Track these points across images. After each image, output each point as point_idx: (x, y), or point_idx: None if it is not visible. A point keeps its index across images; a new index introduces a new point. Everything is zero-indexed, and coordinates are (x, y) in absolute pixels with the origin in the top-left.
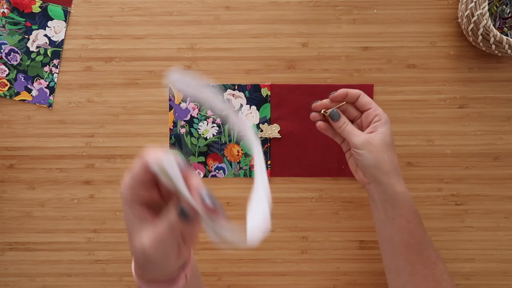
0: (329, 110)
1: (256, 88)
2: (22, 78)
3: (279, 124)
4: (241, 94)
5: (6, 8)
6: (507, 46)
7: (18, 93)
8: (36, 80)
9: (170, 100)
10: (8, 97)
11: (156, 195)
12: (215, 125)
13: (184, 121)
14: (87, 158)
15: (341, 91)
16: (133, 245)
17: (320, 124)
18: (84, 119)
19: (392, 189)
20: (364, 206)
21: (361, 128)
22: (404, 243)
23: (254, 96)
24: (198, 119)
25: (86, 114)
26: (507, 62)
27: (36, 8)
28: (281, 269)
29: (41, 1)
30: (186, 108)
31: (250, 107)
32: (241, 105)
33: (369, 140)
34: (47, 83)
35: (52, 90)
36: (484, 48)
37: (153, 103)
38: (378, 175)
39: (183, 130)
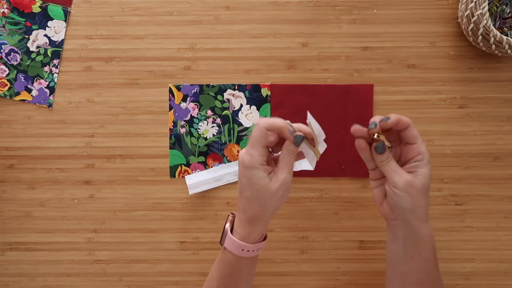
0: (376, 142)
1: (256, 88)
2: (22, 78)
3: None
4: (241, 94)
5: (6, 8)
6: (507, 46)
7: (18, 93)
8: (36, 80)
9: (170, 100)
10: (8, 97)
11: (271, 143)
12: (215, 125)
13: (184, 121)
14: (87, 158)
15: (394, 118)
16: (263, 197)
17: (361, 142)
18: (84, 119)
19: (420, 232)
20: (364, 206)
21: (396, 158)
22: (417, 281)
23: (254, 96)
24: (198, 119)
25: (86, 114)
26: (507, 62)
27: (36, 8)
28: (281, 269)
29: (41, 1)
30: (186, 108)
31: (250, 107)
32: (241, 105)
33: (411, 183)
34: (47, 83)
35: (52, 90)
36: (484, 48)
37: (153, 103)
38: (410, 218)
39: (183, 130)
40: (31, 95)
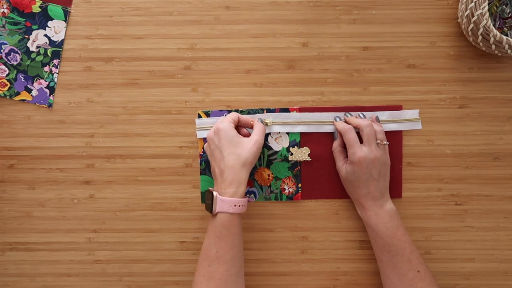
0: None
1: (285, 111)
2: (22, 78)
3: (309, 147)
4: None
5: (6, 8)
6: (507, 46)
7: (18, 93)
8: (36, 80)
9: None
10: (8, 97)
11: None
12: None
13: None
14: (87, 158)
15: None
16: (241, 150)
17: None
18: (84, 119)
19: (362, 217)
20: None
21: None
22: (379, 252)
23: None
24: None
25: (86, 114)
26: (507, 62)
27: (36, 8)
28: (281, 269)
29: (41, 1)
30: None
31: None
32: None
33: (339, 171)
34: (47, 83)
35: (52, 90)
36: (484, 48)
37: (153, 103)
38: (354, 199)
39: None
40: (31, 95)
